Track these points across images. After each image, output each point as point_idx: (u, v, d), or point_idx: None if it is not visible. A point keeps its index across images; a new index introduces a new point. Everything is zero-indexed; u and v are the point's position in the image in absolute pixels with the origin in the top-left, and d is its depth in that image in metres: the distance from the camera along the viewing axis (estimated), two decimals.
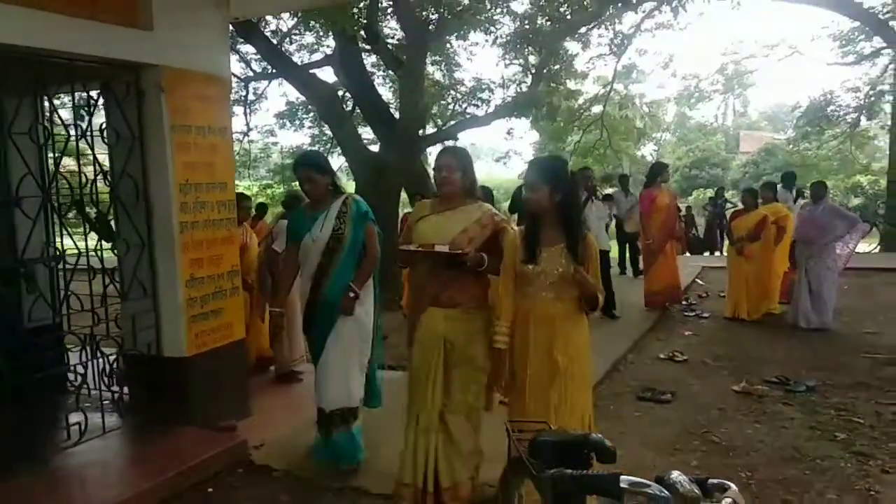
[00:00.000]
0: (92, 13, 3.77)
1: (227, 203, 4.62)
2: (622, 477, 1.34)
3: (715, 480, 1.39)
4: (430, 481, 3.21)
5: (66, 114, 4.36)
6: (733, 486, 1.36)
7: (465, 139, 16.67)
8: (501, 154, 19.27)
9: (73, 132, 4.06)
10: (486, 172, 32.43)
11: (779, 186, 8.15)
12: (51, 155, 4.32)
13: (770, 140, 38.33)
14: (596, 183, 9.93)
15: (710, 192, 22.89)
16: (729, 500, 1.32)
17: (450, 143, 14.75)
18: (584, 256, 2.96)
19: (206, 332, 4.42)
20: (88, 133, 4.06)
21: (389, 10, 12.50)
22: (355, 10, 10.51)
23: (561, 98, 14.82)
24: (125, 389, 4.43)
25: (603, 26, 14.01)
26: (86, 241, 4.16)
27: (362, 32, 11.78)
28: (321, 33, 13.59)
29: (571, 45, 14.48)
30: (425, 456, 3.22)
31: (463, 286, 3.21)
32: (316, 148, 17.07)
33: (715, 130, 42.53)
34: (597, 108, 18.74)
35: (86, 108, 4.19)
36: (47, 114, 4.08)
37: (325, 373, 3.73)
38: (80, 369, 4.37)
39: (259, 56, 13.33)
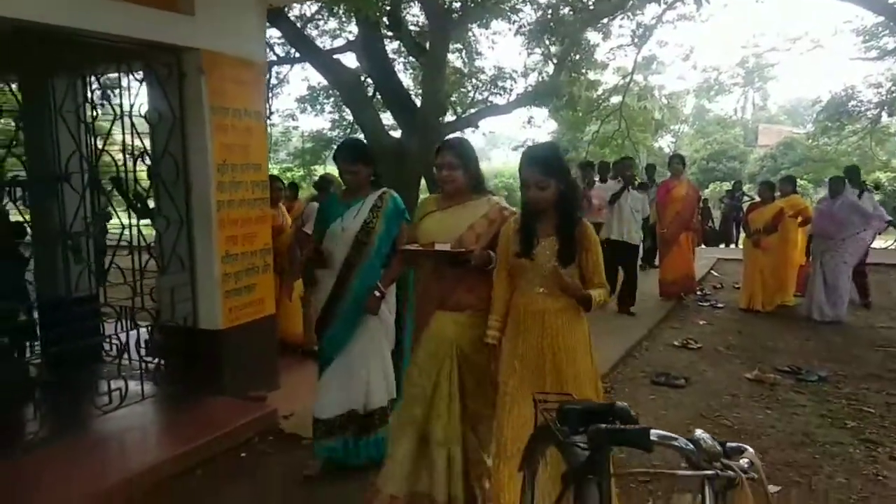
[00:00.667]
0: None
1: (261, 183, 4.80)
2: (652, 430, 1.49)
3: (733, 444, 1.53)
4: (440, 494, 3.00)
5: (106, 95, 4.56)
6: (750, 448, 1.50)
7: (485, 127, 16.75)
8: (519, 143, 19.34)
9: (117, 111, 4.22)
10: (503, 161, 32.44)
11: (847, 182, 8.03)
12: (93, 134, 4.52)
13: (789, 134, 38.06)
14: (635, 173, 9.50)
15: (727, 185, 22.86)
16: (747, 459, 1.46)
17: (469, 130, 14.89)
18: (582, 245, 2.78)
19: (239, 307, 4.61)
20: (130, 113, 4.25)
21: None
22: None
23: (582, 88, 14.86)
24: (160, 360, 4.64)
25: (625, 17, 14.02)
26: (129, 217, 4.35)
27: (385, 19, 11.89)
28: (344, 19, 13.71)
29: (592, 36, 14.51)
30: (431, 468, 3.01)
31: (470, 287, 2.99)
32: (355, 135, 17.22)
33: (734, 123, 42.25)
34: (616, 99, 18.73)
35: (127, 89, 4.37)
36: (94, 93, 4.26)
37: (355, 373, 3.55)
38: (116, 340, 4.60)
39: (283, 40, 13.48)
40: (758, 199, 9.15)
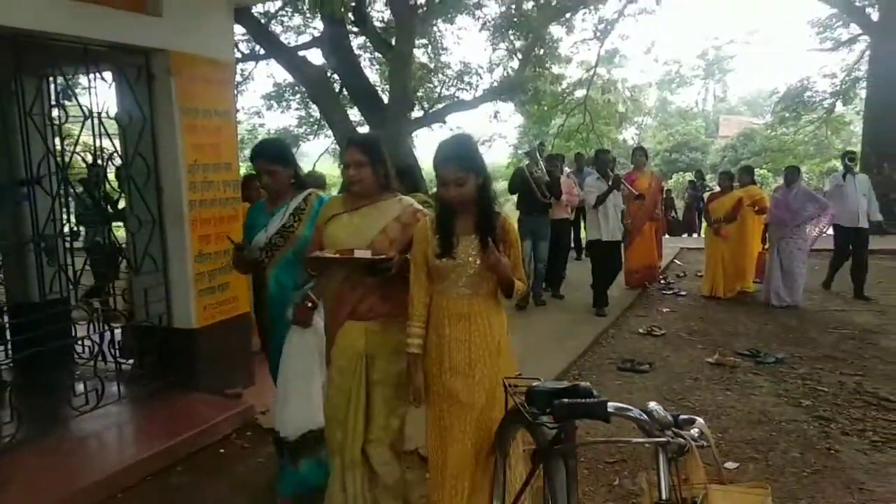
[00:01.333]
0: (105, 0, 3.95)
1: (232, 182, 4.85)
2: (609, 402, 1.62)
3: (685, 416, 1.67)
4: None
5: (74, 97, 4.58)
6: (700, 419, 1.65)
7: (452, 123, 16.89)
8: (486, 137, 19.52)
9: (86, 113, 4.24)
10: None
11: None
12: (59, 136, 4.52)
13: (749, 125, 38.86)
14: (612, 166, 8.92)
15: (690, 176, 23.30)
16: (697, 429, 1.61)
17: (437, 125, 15.02)
18: (503, 241, 2.60)
19: (213, 305, 4.66)
20: (100, 115, 4.27)
21: None
22: None
23: (546, 82, 15.07)
24: (135, 360, 4.67)
25: (587, 11, 14.27)
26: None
27: (350, 15, 11.93)
28: (309, 15, 13.71)
29: (556, 30, 14.75)
30: (354, 495, 2.85)
31: (385, 294, 2.79)
32: (321, 131, 17.14)
33: (695, 115, 43.05)
34: (580, 93, 19.02)
35: (95, 90, 4.39)
36: (62, 95, 4.27)
37: (283, 394, 3.23)
38: (88, 342, 4.63)
39: (248, 37, 13.42)
40: (717, 189, 9.43)
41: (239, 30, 12.82)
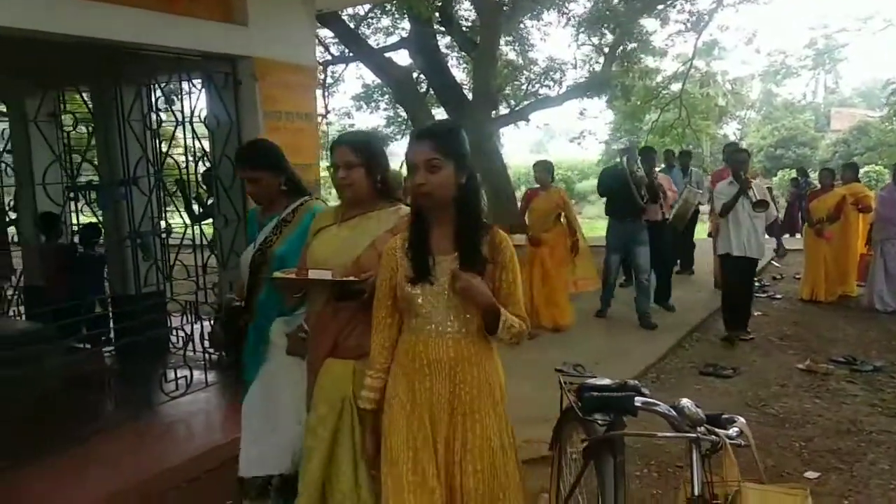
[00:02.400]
0: (195, 12, 4.22)
1: (313, 182, 5.03)
2: (637, 397, 1.61)
3: (727, 415, 1.63)
4: None
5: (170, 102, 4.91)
6: (741, 418, 1.61)
7: (539, 120, 16.77)
8: (576, 135, 19.23)
9: (179, 118, 4.54)
10: (560, 153, 32.22)
11: None
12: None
13: (863, 118, 36.42)
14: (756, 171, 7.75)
15: (794, 173, 22.10)
16: (737, 428, 1.57)
17: (521, 123, 14.96)
18: (495, 261, 1.99)
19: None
20: (192, 119, 4.56)
21: None
22: None
23: (635, 78, 14.72)
24: (221, 350, 4.95)
25: (680, 3, 13.81)
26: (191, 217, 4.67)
27: (437, 15, 12.09)
28: (397, 17, 13.99)
29: (650, 23, 14.35)
30: None
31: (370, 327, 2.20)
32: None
33: (804, 108, 40.73)
34: (676, 86, 18.40)
35: (188, 96, 4.69)
36: (158, 101, 4.59)
37: (257, 432, 2.79)
38: (181, 333, 4.95)
39: (337, 40, 13.85)
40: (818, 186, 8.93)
41: (328, 33, 13.29)
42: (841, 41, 31.85)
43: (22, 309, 5.89)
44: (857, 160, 23.93)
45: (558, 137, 35.01)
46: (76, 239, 5.75)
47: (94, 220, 5.87)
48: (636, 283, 7.02)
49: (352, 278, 2.21)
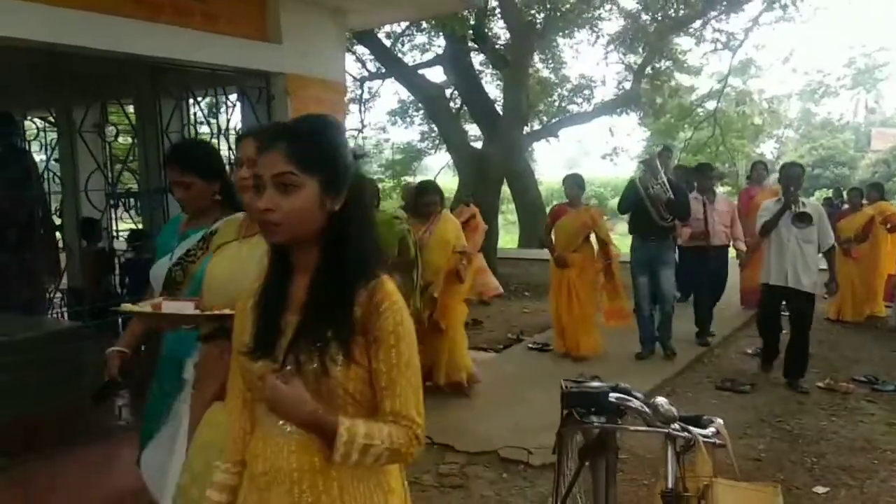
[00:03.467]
0: (232, 30, 4.45)
1: None
2: (611, 393, 1.72)
3: (707, 417, 1.73)
4: None
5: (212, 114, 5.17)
6: (719, 420, 1.71)
7: (572, 136, 16.88)
8: (608, 151, 19.25)
9: (215, 130, 4.78)
10: (593, 170, 32.17)
11: None
12: None
13: None
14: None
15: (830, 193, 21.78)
16: (713, 428, 1.67)
17: (554, 140, 15.08)
18: (372, 331, 1.34)
19: None
20: (227, 132, 4.80)
21: (497, 11, 12.95)
22: (465, 13, 11.05)
23: (666, 96, 14.75)
24: None
25: (713, 22, 13.82)
26: None
27: (471, 33, 12.30)
28: (432, 34, 14.25)
29: (685, 41, 14.37)
30: None
31: None
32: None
33: (843, 127, 40.05)
34: (711, 104, 18.33)
35: (225, 109, 4.93)
36: (195, 114, 4.84)
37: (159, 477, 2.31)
38: None
39: (373, 56, 14.16)
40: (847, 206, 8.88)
41: (365, 50, 13.59)
42: (881, 60, 31.37)
43: (65, 310, 6.18)
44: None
45: (592, 154, 34.97)
46: (120, 244, 6.02)
47: (137, 226, 6.15)
48: (659, 309, 6.29)
49: (226, 311, 1.72)
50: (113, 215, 5.81)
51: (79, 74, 4.08)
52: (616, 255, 6.29)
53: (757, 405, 5.03)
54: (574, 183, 6.33)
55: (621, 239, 7.47)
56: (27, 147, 5.93)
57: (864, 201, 8.33)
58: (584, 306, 6.19)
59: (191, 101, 4.97)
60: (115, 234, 6.06)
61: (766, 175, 8.70)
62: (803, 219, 5.15)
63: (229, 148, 4.85)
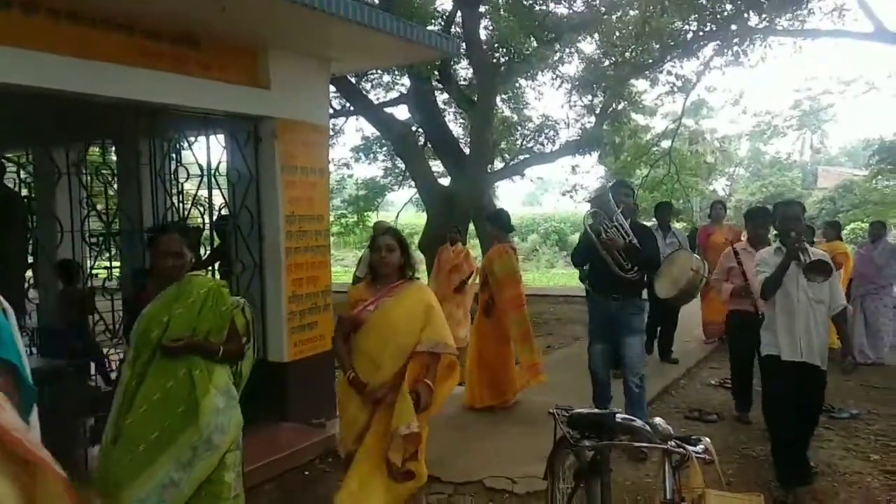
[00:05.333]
0: (224, 76, 4.65)
1: (323, 231, 5.42)
2: (616, 414, 1.93)
3: (696, 436, 1.95)
4: None
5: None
6: (707, 439, 1.92)
7: (534, 173, 17.33)
8: (569, 188, 19.78)
9: (202, 171, 4.92)
10: (553, 205, 32.88)
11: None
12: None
13: (849, 176, 37.37)
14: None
15: None
16: (702, 445, 1.88)
17: (517, 177, 15.48)
18: None
19: (303, 342, 5.18)
20: (215, 173, 4.95)
21: (462, 53, 13.38)
22: None
23: (625, 136, 15.33)
24: None
25: (668, 66, 14.49)
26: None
27: (436, 72, 12.67)
28: (397, 74, 14.60)
29: (640, 83, 15.02)
30: None
31: None
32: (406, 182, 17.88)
33: (791, 166, 41.81)
34: (666, 143, 19.04)
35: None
36: (182, 156, 4.98)
37: None
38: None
39: (338, 94, 14.42)
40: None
41: (332, 88, 13.86)
42: (825, 103, 33.03)
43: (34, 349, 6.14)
44: (843, 217, 24.59)
45: (552, 190, 35.76)
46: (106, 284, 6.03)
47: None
48: (624, 386, 4.91)
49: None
50: (90, 255, 5.85)
51: (62, 115, 4.20)
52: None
53: (724, 434, 5.29)
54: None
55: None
56: (17, 187, 5.92)
57: (821, 239, 8.76)
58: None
59: (181, 142, 5.11)
60: (91, 274, 6.08)
61: (724, 214, 9.12)
62: (820, 270, 3.86)
63: (218, 187, 4.99)
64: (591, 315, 5.27)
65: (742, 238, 6.34)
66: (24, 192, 6.07)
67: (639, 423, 1.92)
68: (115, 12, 3.96)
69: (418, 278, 3.59)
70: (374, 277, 3.43)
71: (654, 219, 8.49)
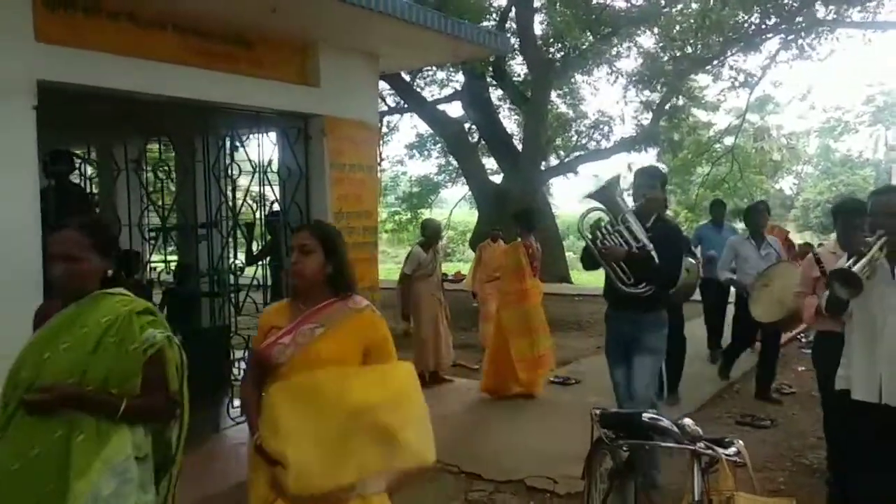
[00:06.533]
0: (275, 75, 4.75)
1: (371, 228, 5.49)
2: (644, 414, 1.89)
3: (729, 438, 1.90)
4: None
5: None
6: (740, 441, 1.87)
7: (589, 171, 17.12)
8: (625, 187, 19.47)
9: (254, 168, 5.06)
10: None
11: None
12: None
13: None
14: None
15: None
16: (735, 448, 1.84)
17: (571, 174, 15.31)
18: None
19: None
20: (266, 169, 5.08)
21: (517, 49, 13.34)
22: None
23: (684, 133, 15.00)
24: None
25: (730, 60, 14.08)
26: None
27: (490, 69, 12.66)
28: (451, 70, 14.66)
29: (702, 78, 14.64)
30: None
31: None
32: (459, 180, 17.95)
33: (863, 164, 40.08)
34: (729, 140, 18.51)
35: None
36: (236, 152, 5.13)
37: None
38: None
39: (393, 92, 14.57)
40: None
41: (385, 85, 14.01)
42: None
43: None
44: None
45: None
46: (162, 276, 6.26)
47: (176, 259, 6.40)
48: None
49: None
50: (148, 248, 6.08)
51: (121, 114, 4.37)
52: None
53: (776, 440, 5.13)
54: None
55: None
56: (85, 183, 6.18)
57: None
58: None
59: (234, 139, 5.26)
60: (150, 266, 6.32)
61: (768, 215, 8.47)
62: (846, 280, 2.87)
63: (268, 183, 5.12)
64: (606, 333, 4.34)
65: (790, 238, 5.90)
66: (89, 187, 6.33)
67: (666, 422, 1.88)
68: (171, 14, 4.09)
69: (355, 296, 2.42)
70: (293, 293, 2.46)
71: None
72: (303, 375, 2.26)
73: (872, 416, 3.02)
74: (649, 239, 3.80)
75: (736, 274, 6.20)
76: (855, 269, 2.76)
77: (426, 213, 19.00)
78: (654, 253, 3.77)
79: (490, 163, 14.95)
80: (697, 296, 7.81)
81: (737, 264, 6.22)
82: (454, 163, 16.50)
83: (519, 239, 6.30)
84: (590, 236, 3.93)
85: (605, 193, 4.03)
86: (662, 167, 21.72)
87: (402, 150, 19.23)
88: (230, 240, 5.17)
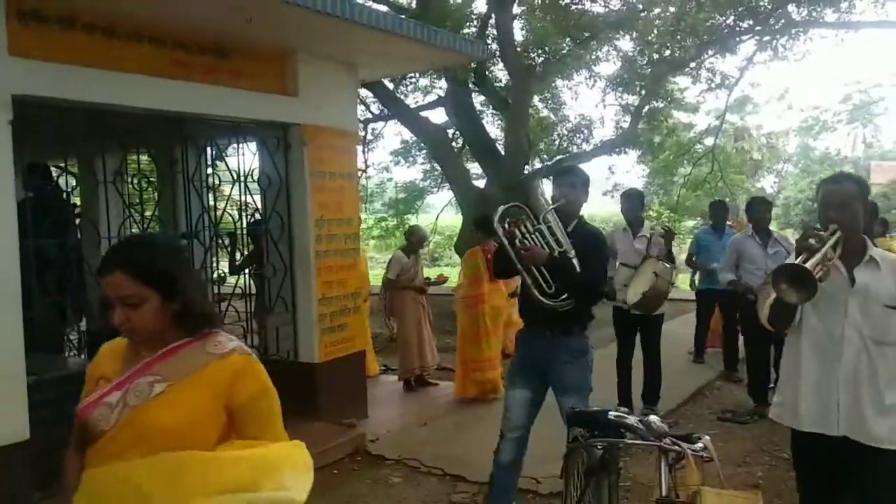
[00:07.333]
0: (253, 85, 4.78)
1: (353, 235, 5.52)
2: (609, 412, 1.94)
3: (696, 434, 1.96)
4: None
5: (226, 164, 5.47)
6: (707, 436, 1.93)
7: None
8: (609, 188, 19.63)
9: (234, 178, 5.08)
10: (595, 205, 32.54)
11: None
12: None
13: None
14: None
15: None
16: (701, 444, 1.89)
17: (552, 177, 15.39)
18: None
19: (333, 343, 5.29)
20: (246, 178, 5.10)
21: (497, 55, 13.40)
22: None
23: (662, 135, 15.14)
24: None
25: (707, 62, 14.24)
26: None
27: (472, 76, 12.72)
28: (434, 77, 14.71)
29: (681, 79, 14.79)
30: None
31: None
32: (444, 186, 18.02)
33: (842, 162, 40.58)
34: (709, 141, 18.68)
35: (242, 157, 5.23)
36: (216, 163, 5.15)
37: None
38: None
39: (377, 100, 14.59)
40: None
41: (369, 93, 14.04)
42: (876, 96, 32.00)
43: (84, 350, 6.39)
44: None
45: (592, 191, 35.42)
46: None
47: None
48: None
49: None
50: None
51: (105, 127, 4.37)
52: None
53: (756, 435, 5.21)
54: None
55: None
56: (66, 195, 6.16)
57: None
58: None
59: (213, 149, 5.27)
60: None
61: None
62: (794, 280, 2.28)
63: (248, 193, 5.15)
64: (515, 358, 3.73)
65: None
66: (70, 199, 6.30)
67: (632, 420, 1.93)
68: (147, 26, 4.12)
69: (218, 334, 1.77)
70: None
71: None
72: (117, 467, 1.56)
73: (827, 448, 2.53)
74: (571, 245, 3.32)
75: (740, 275, 5.57)
76: (807, 265, 2.21)
77: (413, 219, 19.02)
78: (574, 261, 3.28)
79: (476, 168, 15.01)
80: (693, 295, 7.85)
81: (741, 265, 5.60)
82: (439, 168, 16.55)
83: (478, 245, 6.36)
84: (505, 238, 3.34)
85: (526, 188, 3.68)
86: (643, 168, 21.94)
87: (388, 157, 19.26)
88: (211, 250, 5.19)
